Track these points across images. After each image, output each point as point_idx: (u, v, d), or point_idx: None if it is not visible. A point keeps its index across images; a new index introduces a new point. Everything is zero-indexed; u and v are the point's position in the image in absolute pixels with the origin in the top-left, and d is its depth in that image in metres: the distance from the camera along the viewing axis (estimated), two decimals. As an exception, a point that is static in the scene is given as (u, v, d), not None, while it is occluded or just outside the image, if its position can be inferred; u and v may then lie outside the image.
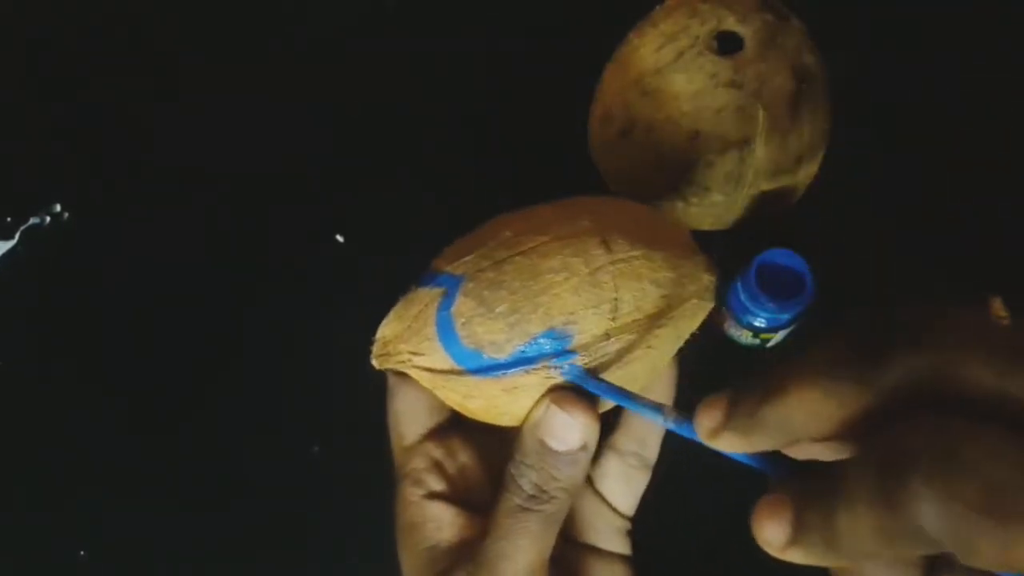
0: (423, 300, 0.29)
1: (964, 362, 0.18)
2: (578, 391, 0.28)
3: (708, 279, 0.30)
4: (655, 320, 0.28)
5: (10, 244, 0.56)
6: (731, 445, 0.22)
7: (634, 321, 0.28)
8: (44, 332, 0.55)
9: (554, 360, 0.27)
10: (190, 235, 0.56)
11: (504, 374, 0.28)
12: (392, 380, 0.32)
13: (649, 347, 0.29)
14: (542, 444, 0.28)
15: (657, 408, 0.26)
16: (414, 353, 0.29)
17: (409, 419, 0.32)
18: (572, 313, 0.27)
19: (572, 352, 0.27)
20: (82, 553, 0.50)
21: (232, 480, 0.51)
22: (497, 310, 0.27)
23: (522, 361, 0.27)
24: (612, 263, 0.28)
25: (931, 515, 0.17)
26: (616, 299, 0.28)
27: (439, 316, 0.28)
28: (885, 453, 0.18)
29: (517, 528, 0.28)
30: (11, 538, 0.51)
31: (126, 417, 0.52)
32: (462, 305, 0.28)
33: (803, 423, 0.20)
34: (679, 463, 0.34)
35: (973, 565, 0.17)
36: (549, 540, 0.28)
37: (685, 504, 0.43)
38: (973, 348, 0.18)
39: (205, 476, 0.51)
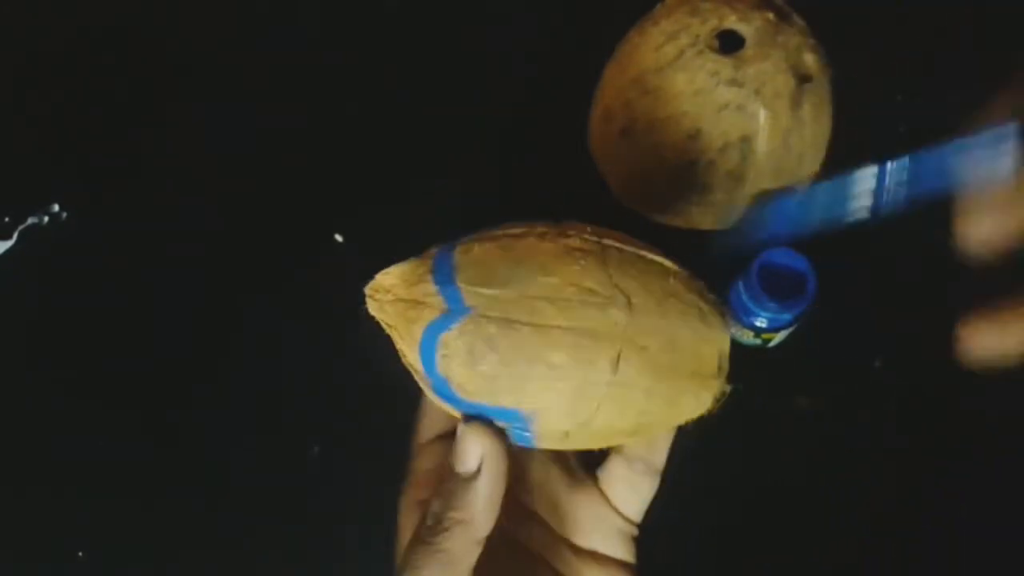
0: (426, 295, 0.28)
1: None
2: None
3: (704, 410, 0.29)
4: (624, 434, 0.29)
5: (9, 244, 0.56)
6: None
7: (600, 433, 0.28)
8: (42, 332, 0.55)
9: (509, 426, 0.28)
10: (190, 235, 0.55)
11: (459, 409, 0.28)
12: None
13: (605, 447, 0.29)
14: (449, 467, 0.28)
15: None
16: (399, 337, 0.28)
17: (431, 418, 0.32)
18: (546, 409, 0.27)
19: (528, 430, 0.28)
20: (81, 553, 0.50)
21: (232, 480, 0.51)
22: (479, 368, 0.27)
23: (480, 411, 0.28)
24: (609, 385, 0.27)
25: None
26: (594, 414, 0.27)
27: (428, 329, 0.27)
28: None
29: (414, 562, 0.27)
30: (11, 538, 0.51)
31: (125, 417, 0.52)
32: (451, 339, 0.27)
33: None
34: (688, 470, 0.33)
35: None
36: None
37: (691, 512, 0.43)
38: None
39: (205, 476, 0.51)
